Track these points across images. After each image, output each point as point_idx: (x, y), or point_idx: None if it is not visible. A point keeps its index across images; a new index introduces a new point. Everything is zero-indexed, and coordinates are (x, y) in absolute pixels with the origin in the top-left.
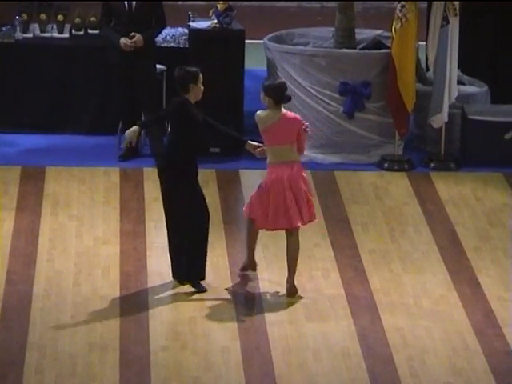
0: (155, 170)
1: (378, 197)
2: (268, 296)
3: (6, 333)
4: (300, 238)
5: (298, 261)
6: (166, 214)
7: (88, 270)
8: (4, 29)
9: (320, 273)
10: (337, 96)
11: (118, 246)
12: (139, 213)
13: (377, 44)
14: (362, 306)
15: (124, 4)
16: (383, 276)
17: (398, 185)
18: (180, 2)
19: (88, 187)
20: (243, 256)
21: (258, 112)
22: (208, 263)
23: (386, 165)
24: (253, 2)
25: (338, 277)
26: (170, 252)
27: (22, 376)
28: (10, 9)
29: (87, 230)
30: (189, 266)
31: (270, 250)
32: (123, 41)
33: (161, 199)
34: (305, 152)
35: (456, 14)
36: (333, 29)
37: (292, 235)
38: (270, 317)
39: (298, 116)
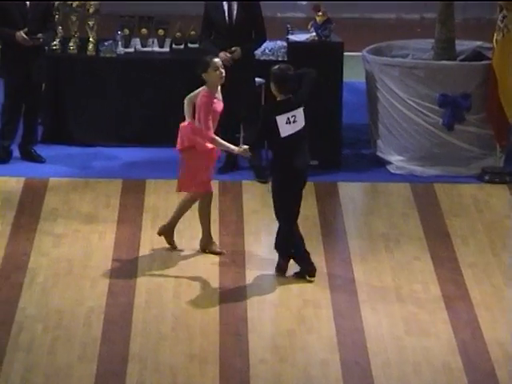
0: (254, 183)
1: (479, 209)
2: (367, 309)
3: (108, 344)
4: (398, 251)
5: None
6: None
7: (188, 282)
8: (106, 44)
9: (420, 286)
10: (436, 108)
11: (217, 259)
12: (238, 225)
13: (477, 55)
14: (463, 320)
15: (225, 17)
16: (484, 290)
17: (500, 197)
18: (279, 14)
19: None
20: (343, 269)
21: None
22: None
23: (486, 177)
24: (352, 14)
25: (438, 290)
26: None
27: None
28: (112, 24)
29: (187, 243)
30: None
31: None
32: (222, 55)
33: (258, 212)
34: (404, 164)
35: None
36: (432, 40)
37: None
38: (369, 330)
39: None
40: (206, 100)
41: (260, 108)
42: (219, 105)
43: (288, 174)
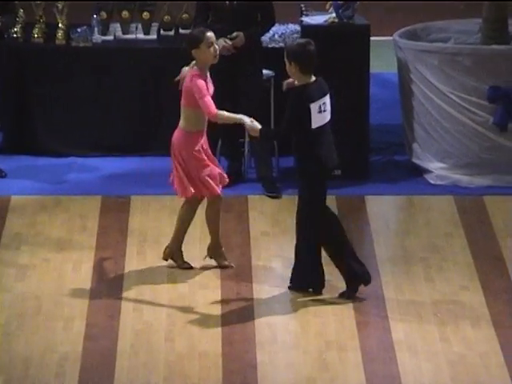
0: (262, 198)
1: None
2: (404, 351)
3: None
4: (441, 280)
5: None
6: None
7: (183, 322)
8: (79, 30)
9: (468, 322)
10: (486, 104)
11: (219, 291)
12: (243, 250)
13: None
14: None
15: None
16: None
17: None
18: None
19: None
20: (373, 302)
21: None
22: (331, 311)
23: None
24: None
25: (490, 327)
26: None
27: None
28: (87, 7)
29: (182, 273)
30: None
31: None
32: (221, 42)
33: (269, 234)
34: (447, 173)
35: None
36: (480, 20)
37: None
38: (406, 378)
39: None
40: (200, 78)
41: (289, 94)
42: (211, 87)
43: (319, 175)
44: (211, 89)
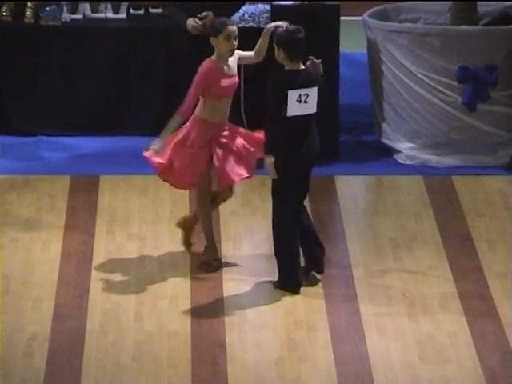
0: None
1: (508, 207)
2: (373, 331)
3: (54, 379)
4: (410, 259)
5: None
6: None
7: (152, 302)
8: (48, 9)
9: (436, 302)
10: (455, 84)
11: (188, 271)
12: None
13: (505, 18)
14: (491, 343)
15: None
16: None
17: None
18: None
19: (151, 200)
20: (343, 282)
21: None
22: (301, 292)
23: None
24: None
25: (459, 307)
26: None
27: None
28: None
29: (150, 253)
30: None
31: None
32: (191, 22)
33: (239, 214)
34: (416, 153)
35: None
36: (449, 1)
37: None
38: (375, 358)
39: None
40: (205, 70)
41: (268, 76)
42: (230, 80)
43: (283, 169)
44: (230, 83)
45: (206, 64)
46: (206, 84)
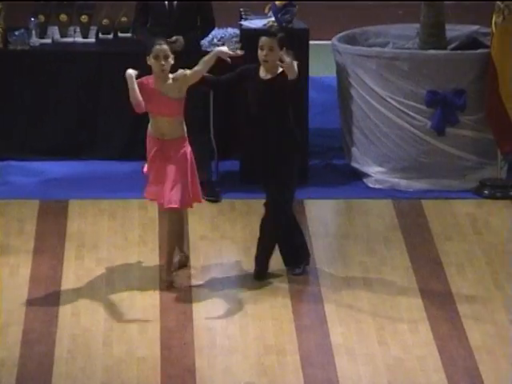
0: (203, 204)
1: (477, 231)
2: (342, 355)
3: None
4: (380, 284)
5: None
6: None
7: (121, 327)
8: (17, 33)
9: (406, 326)
10: (423, 108)
11: (157, 296)
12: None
13: (473, 43)
14: (460, 368)
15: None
16: (485, 330)
17: (502, 216)
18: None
19: (120, 224)
20: (312, 306)
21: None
22: (271, 316)
23: (485, 191)
24: None
25: (428, 331)
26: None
27: None
28: (24, 9)
29: (120, 277)
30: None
31: None
32: None
33: (208, 238)
34: (385, 177)
35: None
36: (417, 25)
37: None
38: (345, 382)
39: None
40: (139, 80)
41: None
42: (163, 101)
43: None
44: (160, 102)
45: (145, 77)
46: (140, 90)
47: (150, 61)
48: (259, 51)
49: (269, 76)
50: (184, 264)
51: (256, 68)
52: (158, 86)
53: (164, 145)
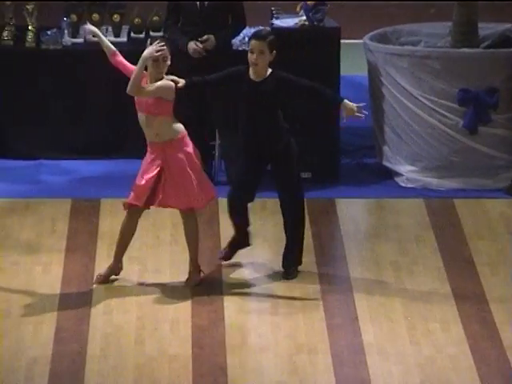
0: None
1: (510, 231)
2: (374, 355)
3: None
4: (412, 283)
5: None
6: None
7: (153, 325)
8: (49, 33)
9: (438, 326)
10: (456, 106)
11: (189, 294)
12: (215, 253)
13: (505, 41)
14: (493, 367)
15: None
16: None
17: None
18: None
19: (152, 223)
20: (344, 305)
21: None
22: (302, 314)
23: None
24: None
25: (461, 331)
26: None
27: None
28: (56, 9)
29: (152, 275)
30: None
31: None
32: (192, 45)
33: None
34: (417, 176)
35: None
36: (450, 23)
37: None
38: (376, 381)
39: None
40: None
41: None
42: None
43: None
44: (141, 98)
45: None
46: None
47: (148, 62)
48: (249, 54)
49: (259, 78)
50: (115, 273)
51: (246, 69)
52: (150, 83)
53: (156, 146)
